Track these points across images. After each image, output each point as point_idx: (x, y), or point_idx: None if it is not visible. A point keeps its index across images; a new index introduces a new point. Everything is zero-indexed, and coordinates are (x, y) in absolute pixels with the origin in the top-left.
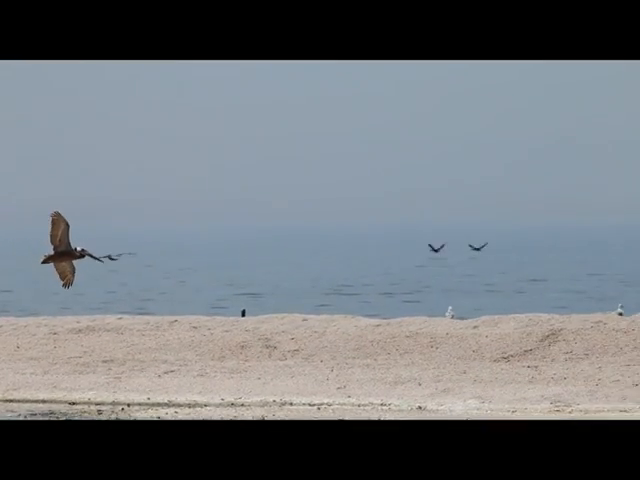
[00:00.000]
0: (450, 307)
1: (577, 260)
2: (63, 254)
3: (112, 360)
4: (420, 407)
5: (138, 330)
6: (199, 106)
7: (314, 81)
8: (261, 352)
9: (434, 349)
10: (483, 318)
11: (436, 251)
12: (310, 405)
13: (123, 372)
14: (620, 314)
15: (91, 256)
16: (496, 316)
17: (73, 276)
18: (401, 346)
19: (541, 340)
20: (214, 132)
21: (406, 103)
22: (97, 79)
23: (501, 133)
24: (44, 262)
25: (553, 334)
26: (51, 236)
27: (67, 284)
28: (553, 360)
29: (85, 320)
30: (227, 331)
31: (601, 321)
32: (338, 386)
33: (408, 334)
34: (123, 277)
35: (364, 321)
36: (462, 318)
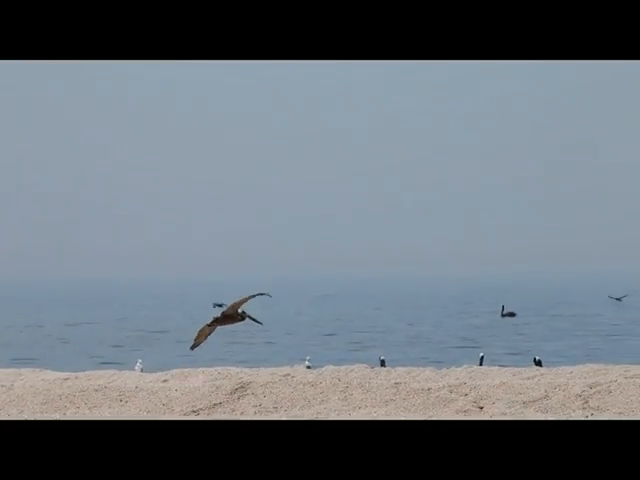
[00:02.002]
0: (139, 360)
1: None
2: (227, 317)
3: None
4: None
5: None
6: None
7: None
8: None
9: (123, 403)
10: (173, 371)
11: (619, 300)
12: None
13: None
14: (308, 367)
15: (250, 318)
16: (186, 369)
17: (205, 339)
18: (90, 400)
19: (230, 393)
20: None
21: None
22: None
23: None
24: (211, 325)
25: (242, 387)
26: (236, 302)
27: (195, 346)
28: (242, 413)
29: None
30: None
31: (289, 374)
32: None
33: (97, 388)
34: None
35: (52, 374)
36: (152, 371)
